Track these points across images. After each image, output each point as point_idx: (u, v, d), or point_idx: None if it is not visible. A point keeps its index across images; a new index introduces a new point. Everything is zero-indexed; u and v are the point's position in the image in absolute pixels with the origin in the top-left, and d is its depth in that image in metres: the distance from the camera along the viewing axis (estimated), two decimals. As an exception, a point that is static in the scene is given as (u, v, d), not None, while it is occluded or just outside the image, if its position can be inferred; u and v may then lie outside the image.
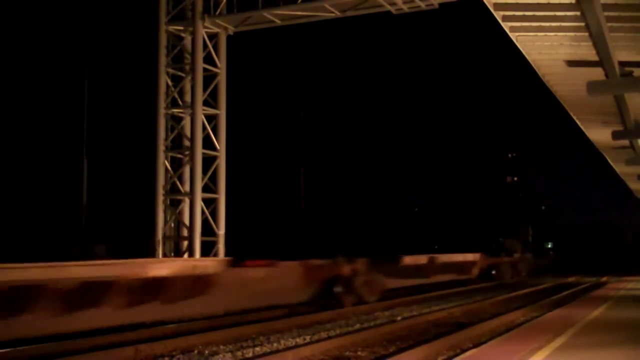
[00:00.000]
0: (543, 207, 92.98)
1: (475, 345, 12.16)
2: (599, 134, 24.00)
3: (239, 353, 12.22)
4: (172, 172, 21.70)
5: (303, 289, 20.78)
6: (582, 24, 12.55)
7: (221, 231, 21.42)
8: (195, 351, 12.52)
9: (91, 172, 31.26)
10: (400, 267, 27.59)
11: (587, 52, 14.28)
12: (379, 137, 61.40)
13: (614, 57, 13.62)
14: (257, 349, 12.73)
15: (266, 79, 45.80)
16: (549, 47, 15.09)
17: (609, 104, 18.43)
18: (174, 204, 21.88)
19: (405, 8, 19.33)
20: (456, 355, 10.98)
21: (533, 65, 16.53)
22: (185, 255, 21.12)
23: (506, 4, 13.24)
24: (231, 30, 21.84)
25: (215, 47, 21.72)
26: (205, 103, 21.50)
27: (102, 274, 14.55)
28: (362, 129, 58.10)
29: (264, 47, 41.00)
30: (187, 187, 21.40)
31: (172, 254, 21.71)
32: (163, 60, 21.60)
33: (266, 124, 45.44)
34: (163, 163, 21.56)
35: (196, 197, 20.89)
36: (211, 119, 21.71)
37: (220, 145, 21.73)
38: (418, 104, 69.39)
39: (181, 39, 21.99)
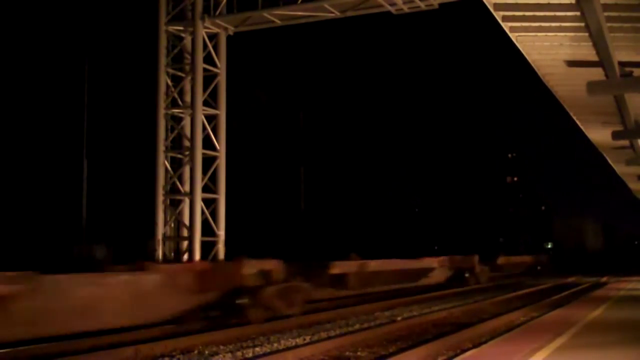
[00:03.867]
0: (543, 208, 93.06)
1: (475, 346, 12.16)
2: (599, 134, 23.99)
3: (239, 353, 12.22)
4: (172, 172, 21.69)
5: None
6: (582, 24, 12.54)
7: (221, 231, 21.42)
8: (195, 351, 12.51)
9: (91, 172, 31.26)
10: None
11: (587, 52, 14.27)
12: (379, 137, 61.41)
13: (614, 57, 13.61)
14: (257, 349, 12.73)
15: (266, 79, 45.81)
16: (549, 47, 15.09)
17: (609, 104, 18.42)
18: (174, 204, 21.86)
19: (405, 8, 19.32)
20: (456, 355, 10.98)
21: (533, 65, 16.53)
22: (185, 256, 21.12)
23: (506, 4, 13.23)
24: (231, 30, 21.84)
25: (215, 47, 21.71)
26: (205, 103, 21.50)
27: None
28: (362, 129, 58.10)
29: (264, 47, 41.01)
30: (187, 187, 21.39)
31: (172, 255, 21.71)
32: (163, 60, 21.59)
33: (266, 124, 45.43)
34: (163, 163, 21.55)
35: (196, 197, 20.88)
36: (211, 119, 21.70)
37: (220, 145, 21.72)
38: (418, 105, 69.39)
39: (181, 39, 21.98)
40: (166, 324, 15.24)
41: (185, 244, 21.22)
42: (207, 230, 21.23)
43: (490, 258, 41.26)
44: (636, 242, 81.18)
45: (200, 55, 21.16)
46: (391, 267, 28.88)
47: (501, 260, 44.77)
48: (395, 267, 29.34)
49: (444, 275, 33.48)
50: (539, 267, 52.09)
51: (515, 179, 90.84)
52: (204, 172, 21.23)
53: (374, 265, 26.82)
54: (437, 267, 32.78)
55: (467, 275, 33.82)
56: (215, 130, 21.68)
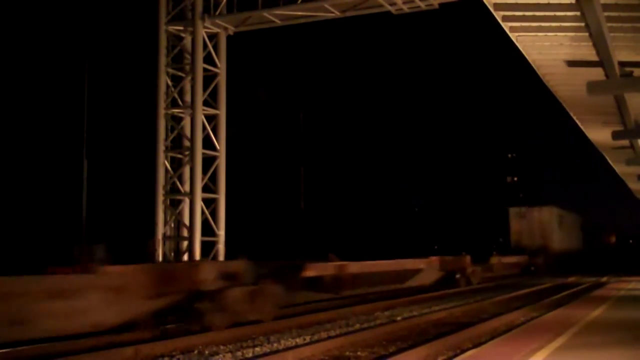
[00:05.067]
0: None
1: (475, 346, 12.15)
2: (599, 134, 23.99)
3: (239, 353, 12.21)
4: (172, 172, 21.71)
5: None
6: (582, 24, 12.56)
7: (221, 231, 21.42)
8: (195, 351, 12.50)
9: (91, 172, 31.27)
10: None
11: (587, 52, 14.28)
12: (379, 137, 61.45)
13: (614, 57, 13.62)
14: (257, 349, 12.72)
15: (266, 79, 45.85)
16: (549, 47, 15.09)
17: (609, 104, 18.43)
18: (174, 204, 21.88)
19: (405, 8, 19.34)
20: (456, 355, 10.97)
21: (533, 65, 16.53)
22: (185, 256, 21.12)
23: (506, 4, 13.25)
24: (231, 30, 21.85)
25: (215, 47, 21.73)
26: (205, 103, 21.51)
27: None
28: (362, 129, 58.15)
29: (263, 47, 41.04)
30: (187, 187, 21.40)
31: (172, 254, 21.71)
32: (163, 60, 21.61)
33: (266, 124, 45.47)
34: (163, 163, 21.57)
35: (196, 197, 20.89)
36: (211, 119, 21.71)
37: (220, 145, 21.74)
38: (418, 105, 69.47)
39: (181, 39, 21.99)
40: (167, 324, 15.23)
41: (185, 244, 21.24)
42: (207, 230, 21.24)
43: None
44: (631, 242, 79.88)
45: (200, 55, 21.18)
46: None
47: (350, 268, 23.47)
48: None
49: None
50: (458, 276, 34.64)
51: (515, 179, 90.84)
52: (204, 172, 21.25)
53: None
54: None
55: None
56: (215, 130, 21.70)
